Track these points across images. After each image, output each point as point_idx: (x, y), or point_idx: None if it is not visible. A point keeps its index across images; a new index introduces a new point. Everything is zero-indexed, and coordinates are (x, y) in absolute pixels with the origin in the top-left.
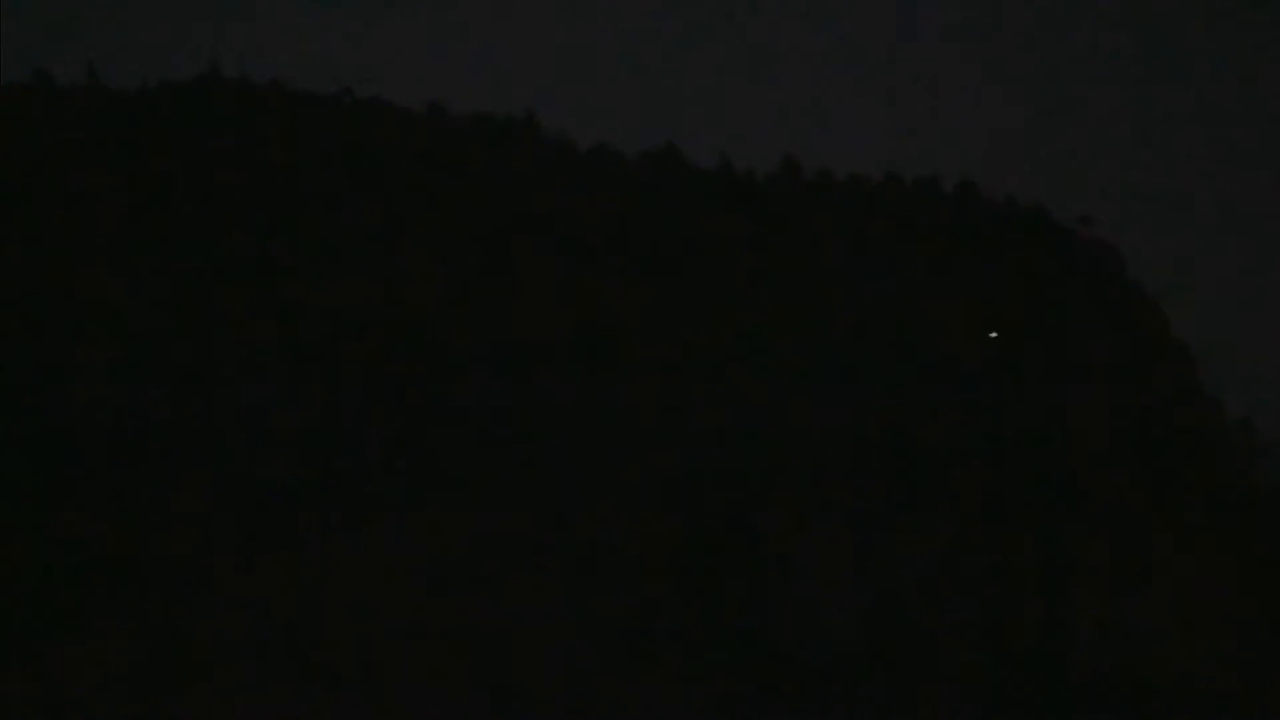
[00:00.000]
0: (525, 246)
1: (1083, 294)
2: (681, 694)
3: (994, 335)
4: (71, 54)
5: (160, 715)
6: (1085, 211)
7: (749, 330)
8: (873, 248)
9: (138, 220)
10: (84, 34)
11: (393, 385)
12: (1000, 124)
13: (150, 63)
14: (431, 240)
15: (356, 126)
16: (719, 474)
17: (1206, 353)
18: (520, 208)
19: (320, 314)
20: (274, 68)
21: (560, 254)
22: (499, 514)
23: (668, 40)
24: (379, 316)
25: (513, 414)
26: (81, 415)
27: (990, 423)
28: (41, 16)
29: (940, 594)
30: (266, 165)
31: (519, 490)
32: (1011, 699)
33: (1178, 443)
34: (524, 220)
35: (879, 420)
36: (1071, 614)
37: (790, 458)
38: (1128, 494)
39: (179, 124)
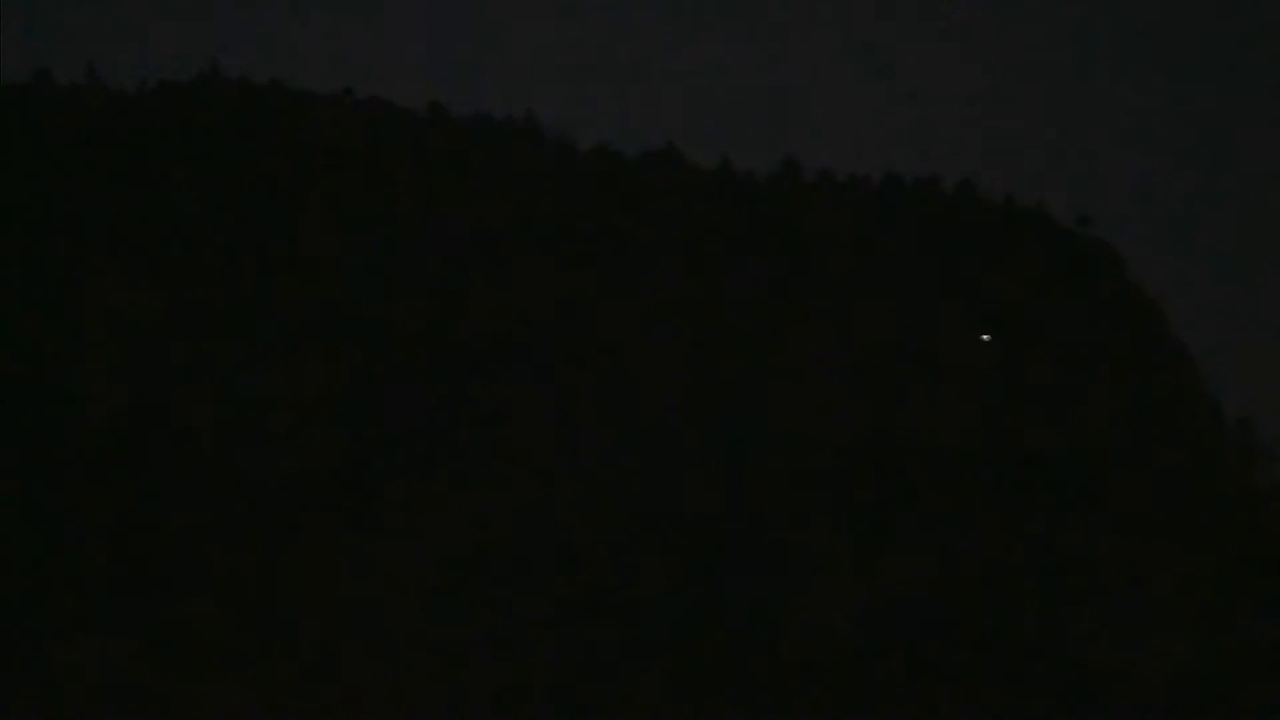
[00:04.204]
0: (525, 246)
1: (1083, 294)
2: (679, 694)
3: (988, 337)
4: (71, 54)
5: (161, 715)
6: (1085, 211)
7: (749, 330)
8: (873, 248)
9: (138, 220)
10: (84, 34)
11: (392, 385)
12: (1000, 124)
13: (150, 63)
14: (431, 240)
15: (356, 126)
16: (719, 473)
17: (1206, 353)
18: (520, 208)
19: (320, 313)
20: (274, 68)
21: (560, 254)
22: (498, 514)
23: (668, 40)
24: (379, 316)
25: (512, 413)
26: (81, 415)
27: (990, 423)
28: (41, 16)
29: (940, 594)
30: (267, 165)
31: (518, 490)
32: (1011, 699)
33: (1178, 443)
34: (524, 220)
35: (878, 420)
36: (1071, 614)
37: (790, 457)
38: (1127, 494)
39: (179, 124)
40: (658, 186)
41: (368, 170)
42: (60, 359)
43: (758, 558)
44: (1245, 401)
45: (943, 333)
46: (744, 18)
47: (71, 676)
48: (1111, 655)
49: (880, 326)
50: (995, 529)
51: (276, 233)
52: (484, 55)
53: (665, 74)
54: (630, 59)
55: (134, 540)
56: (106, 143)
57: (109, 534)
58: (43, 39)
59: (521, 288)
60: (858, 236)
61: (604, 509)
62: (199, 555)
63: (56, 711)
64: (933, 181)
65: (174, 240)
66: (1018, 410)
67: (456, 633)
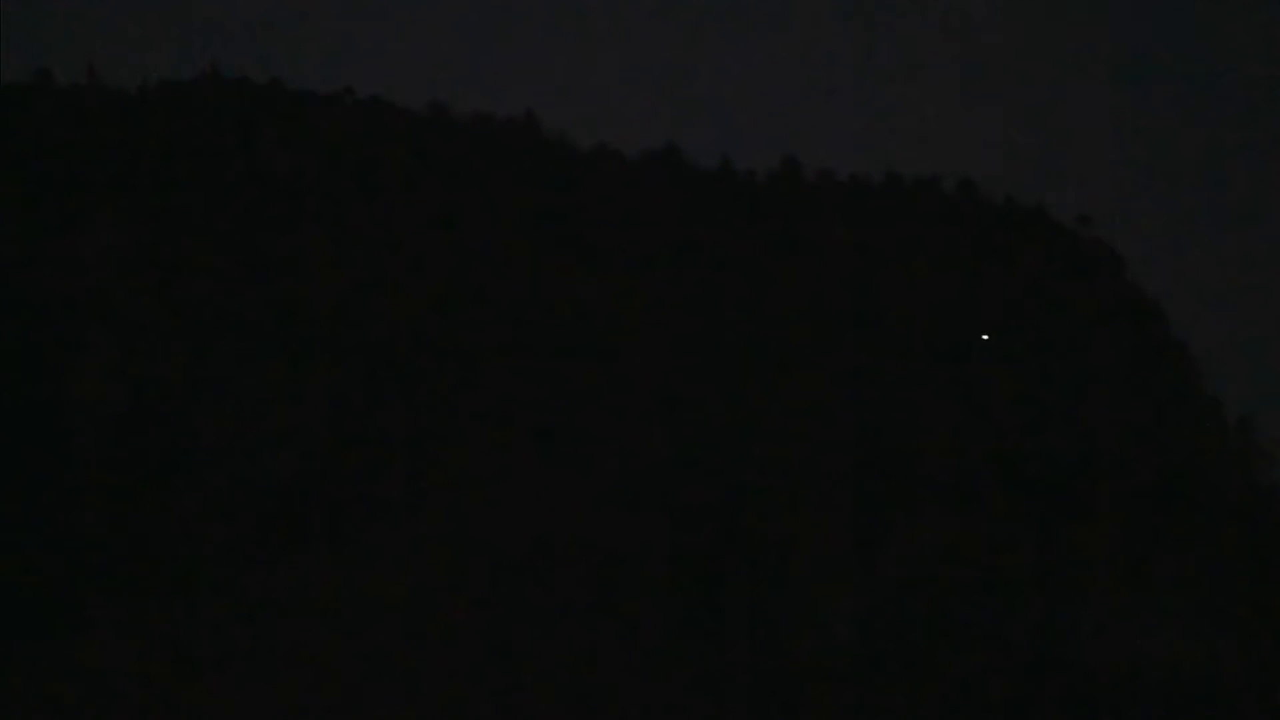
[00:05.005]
0: (526, 246)
1: (1083, 294)
2: (682, 694)
3: (986, 337)
4: (71, 54)
5: (160, 715)
6: (1085, 211)
7: (749, 330)
8: (873, 248)
9: (137, 220)
10: (84, 34)
11: (393, 385)
12: (1000, 124)
13: (150, 63)
14: (431, 240)
15: (356, 126)
16: (719, 474)
17: (1206, 353)
18: (520, 208)
19: (320, 313)
20: (274, 68)
21: (560, 254)
22: (499, 514)
23: (668, 40)
24: (379, 316)
25: (513, 413)
26: (82, 415)
27: (990, 423)
28: (41, 16)
29: (940, 594)
30: (266, 165)
31: (519, 490)
32: (1011, 699)
33: (1178, 443)
34: (524, 220)
35: (878, 419)
36: (1071, 614)
37: (790, 457)
38: (1128, 494)
39: (179, 124)
40: (658, 186)
41: (368, 170)
42: (60, 359)
43: (758, 558)
44: (1245, 401)
45: (943, 333)
46: (744, 18)
47: (72, 676)
48: (1111, 655)
49: (880, 326)
50: (995, 529)
51: (276, 232)
52: (484, 55)
53: (665, 74)
54: (630, 59)
55: (134, 541)
56: (106, 143)
57: (109, 535)
58: (43, 39)
59: (522, 288)
60: (858, 236)
61: (604, 509)
62: (199, 556)
63: (57, 711)
64: (933, 181)
65: (174, 240)
66: (1018, 410)
67: (456, 633)
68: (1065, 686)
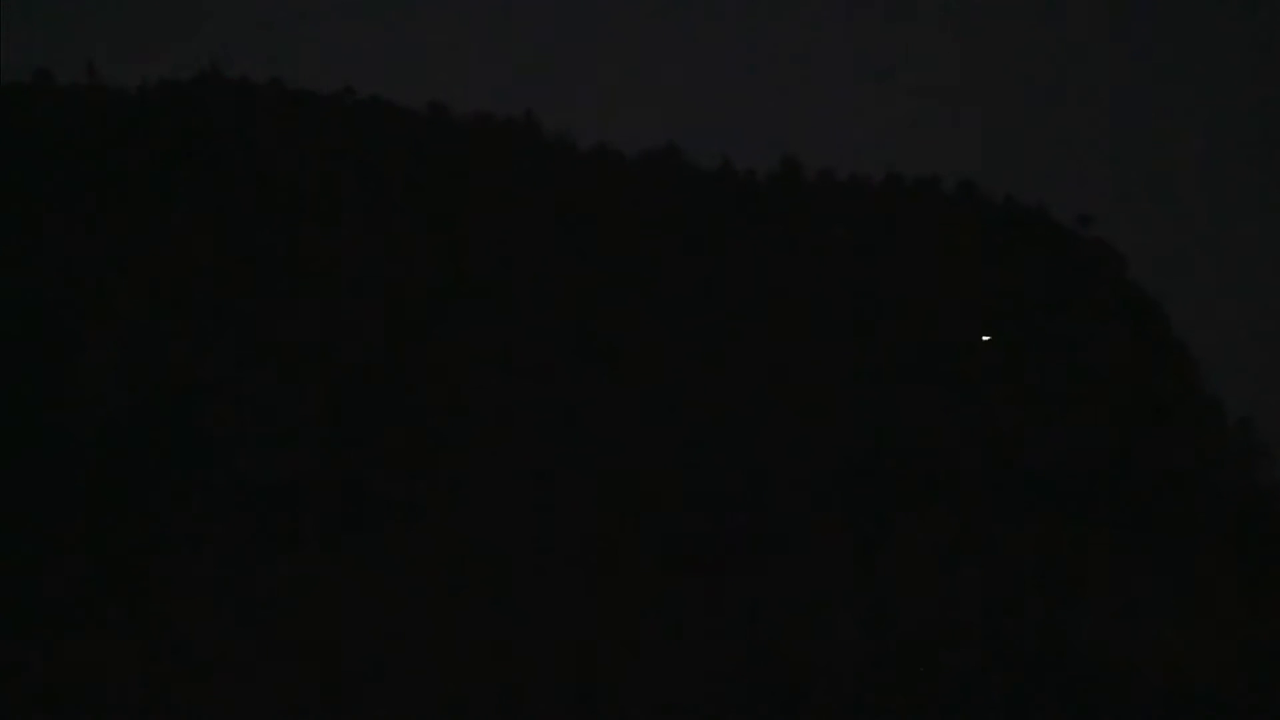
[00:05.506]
0: (526, 246)
1: (1083, 294)
2: (682, 694)
3: (988, 337)
4: (71, 54)
5: (160, 715)
6: (1085, 211)
7: (749, 330)
8: (873, 248)
9: (138, 220)
10: (84, 34)
11: (393, 385)
12: (1000, 124)
13: (150, 63)
14: (431, 240)
15: (356, 126)
16: (719, 474)
17: (1206, 353)
18: (520, 208)
19: (320, 314)
20: (274, 68)
21: (560, 254)
22: (499, 514)
23: (668, 40)
24: (379, 316)
25: (512, 414)
26: (81, 415)
27: (990, 423)
28: (41, 16)
29: (940, 594)
30: (266, 165)
31: (519, 490)
32: (1012, 699)
33: (1178, 443)
34: (524, 220)
35: (879, 420)
36: (1071, 614)
37: (790, 458)
38: (1128, 494)
39: (179, 124)
40: (658, 186)
41: (368, 170)
42: (60, 359)
43: (758, 558)
44: (1245, 401)
45: (943, 332)
46: (744, 18)
47: (71, 677)
48: (1112, 655)
49: (880, 326)
50: (995, 529)
51: (276, 233)
52: (484, 55)
53: (665, 74)
54: (630, 59)
55: (134, 542)
56: (106, 143)
57: (108, 534)
58: (43, 39)
59: (522, 288)
60: (858, 236)
61: (604, 509)
62: (199, 556)
63: (57, 711)
64: (933, 181)
65: (174, 240)
66: (1018, 410)
67: (457, 633)
68: (1065, 686)
